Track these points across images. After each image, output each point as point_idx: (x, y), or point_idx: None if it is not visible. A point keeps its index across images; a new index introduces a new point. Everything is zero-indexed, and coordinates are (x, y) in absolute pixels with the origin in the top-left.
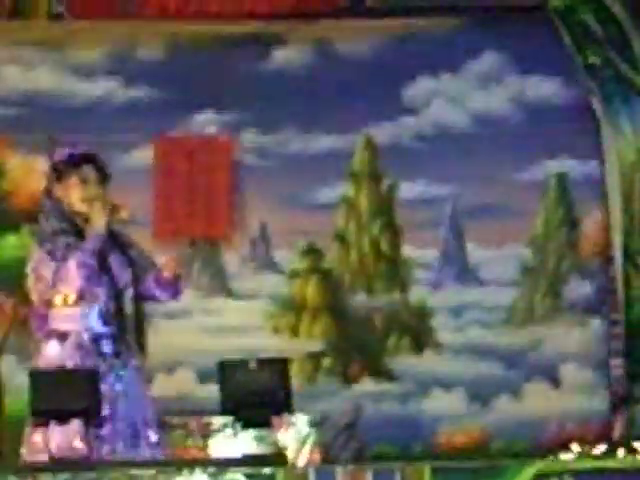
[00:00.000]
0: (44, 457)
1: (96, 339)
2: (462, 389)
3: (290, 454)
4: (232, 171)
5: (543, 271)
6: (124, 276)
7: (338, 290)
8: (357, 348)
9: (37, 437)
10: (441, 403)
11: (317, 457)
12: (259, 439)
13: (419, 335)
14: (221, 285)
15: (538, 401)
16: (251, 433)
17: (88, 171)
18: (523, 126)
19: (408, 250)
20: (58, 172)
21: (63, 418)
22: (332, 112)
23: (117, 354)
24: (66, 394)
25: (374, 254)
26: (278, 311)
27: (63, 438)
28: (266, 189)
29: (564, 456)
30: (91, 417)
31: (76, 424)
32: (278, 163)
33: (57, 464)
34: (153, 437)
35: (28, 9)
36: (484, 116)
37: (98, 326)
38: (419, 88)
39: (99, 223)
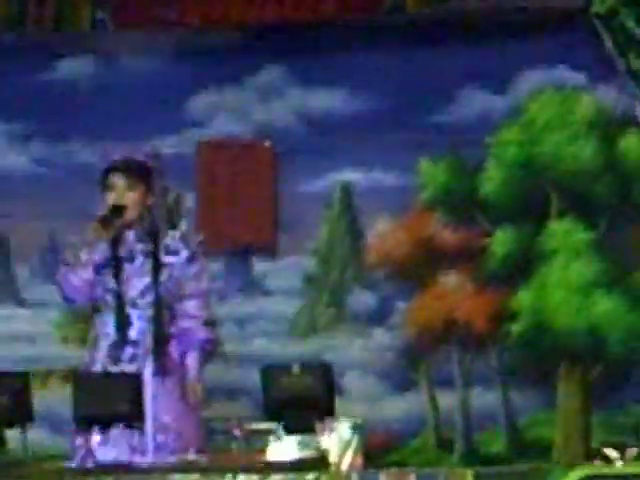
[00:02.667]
0: (88, 462)
1: (117, 344)
2: (247, 399)
3: (333, 459)
4: (274, 178)
5: (326, 281)
6: (142, 282)
7: None
8: None
9: (80, 441)
10: (227, 412)
11: (360, 462)
12: (302, 444)
13: None
14: (11, 294)
15: None
16: (294, 438)
17: (115, 178)
18: (306, 138)
19: None
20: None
21: (106, 423)
22: (119, 123)
23: (133, 359)
24: (109, 399)
25: None
26: (67, 320)
27: (106, 442)
28: (55, 199)
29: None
30: (134, 422)
31: (119, 429)
32: (67, 174)
33: (100, 469)
34: (171, 442)
35: (70, 18)
36: (267, 128)
37: (117, 331)
38: (204, 101)
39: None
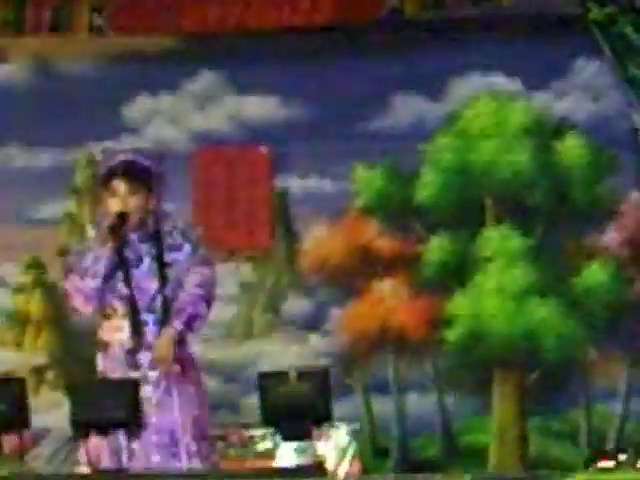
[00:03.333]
0: (85, 468)
1: (134, 349)
2: None
3: (330, 465)
4: (271, 182)
5: (262, 287)
6: (152, 286)
7: (62, 304)
8: (80, 361)
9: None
10: None
11: (357, 468)
12: (299, 450)
13: None
14: None
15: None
16: (291, 444)
17: (117, 184)
18: (241, 144)
19: None
20: (100, 187)
21: (103, 429)
22: (54, 129)
23: (153, 365)
24: (106, 405)
25: None
26: (3, 325)
27: (103, 449)
28: None
29: (606, 467)
30: (131, 428)
31: (116, 435)
32: (2, 178)
33: (97, 475)
34: (193, 447)
35: (68, 24)
36: (203, 135)
37: (132, 337)
38: (139, 106)
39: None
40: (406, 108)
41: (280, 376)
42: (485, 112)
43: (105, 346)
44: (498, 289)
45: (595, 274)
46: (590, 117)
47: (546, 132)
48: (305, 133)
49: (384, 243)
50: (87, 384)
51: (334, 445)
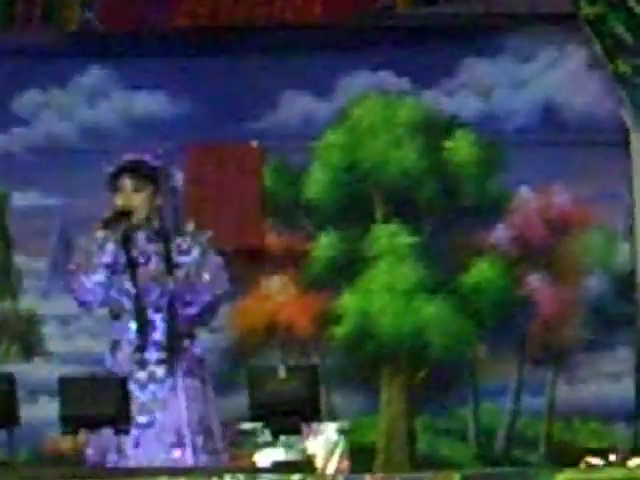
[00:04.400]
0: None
1: (140, 347)
2: None
3: (319, 462)
4: (261, 179)
5: None
6: (160, 284)
7: None
8: None
9: (68, 444)
10: (49, 410)
11: (346, 465)
12: (288, 446)
13: (29, 343)
14: None
15: None
16: (280, 440)
17: (123, 181)
18: (131, 140)
19: (19, 259)
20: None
21: (92, 425)
22: None
23: (160, 362)
24: (95, 401)
25: None
26: None
27: (94, 445)
28: None
29: (594, 464)
30: (120, 424)
31: (107, 431)
32: None
33: (86, 471)
34: (199, 444)
35: (59, 18)
36: (92, 129)
37: (139, 335)
38: (29, 100)
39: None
40: (294, 106)
41: (269, 373)
42: (374, 110)
43: (115, 345)
44: (387, 286)
45: (484, 271)
46: (479, 115)
47: (435, 130)
48: (193, 131)
49: (272, 240)
50: (76, 380)
51: (323, 441)
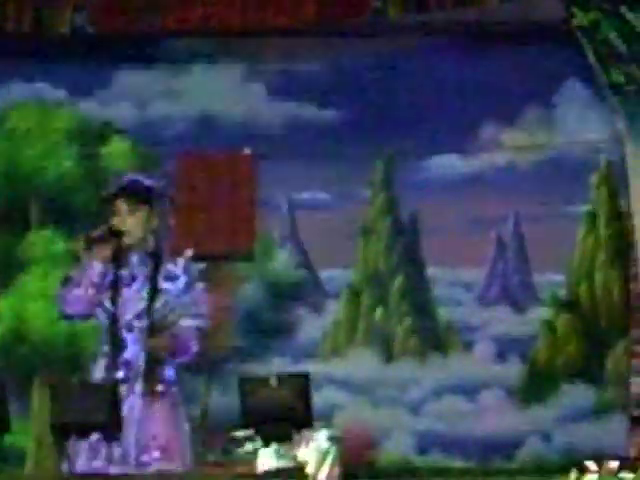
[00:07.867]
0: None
1: (110, 366)
2: None
3: (310, 469)
4: (254, 186)
5: None
6: (138, 306)
7: None
8: None
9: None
10: None
11: (337, 472)
12: (279, 454)
13: None
14: None
15: None
16: (272, 448)
17: (119, 204)
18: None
19: None
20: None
21: (82, 432)
22: None
23: (125, 380)
24: (86, 408)
25: None
26: None
27: (82, 452)
28: None
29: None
30: (110, 431)
31: (95, 439)
32: None
33: (77, 478)
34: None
35: (50, 23)
36: None
37: (110, 353)
38: None
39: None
40: None
41: (261, 381)
42: (30, 116)
43: (95, 357)
44: (41, 292)
45: None
46: (135, 123)
47: (90, 137)
48: None
49: None
50: (67, 387)
51: (314, 449)
